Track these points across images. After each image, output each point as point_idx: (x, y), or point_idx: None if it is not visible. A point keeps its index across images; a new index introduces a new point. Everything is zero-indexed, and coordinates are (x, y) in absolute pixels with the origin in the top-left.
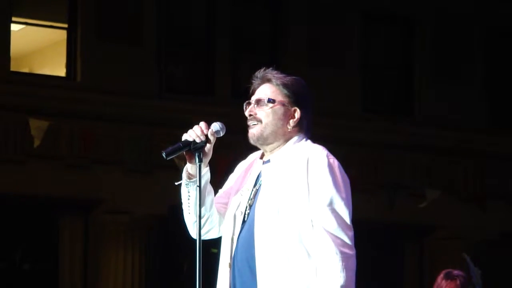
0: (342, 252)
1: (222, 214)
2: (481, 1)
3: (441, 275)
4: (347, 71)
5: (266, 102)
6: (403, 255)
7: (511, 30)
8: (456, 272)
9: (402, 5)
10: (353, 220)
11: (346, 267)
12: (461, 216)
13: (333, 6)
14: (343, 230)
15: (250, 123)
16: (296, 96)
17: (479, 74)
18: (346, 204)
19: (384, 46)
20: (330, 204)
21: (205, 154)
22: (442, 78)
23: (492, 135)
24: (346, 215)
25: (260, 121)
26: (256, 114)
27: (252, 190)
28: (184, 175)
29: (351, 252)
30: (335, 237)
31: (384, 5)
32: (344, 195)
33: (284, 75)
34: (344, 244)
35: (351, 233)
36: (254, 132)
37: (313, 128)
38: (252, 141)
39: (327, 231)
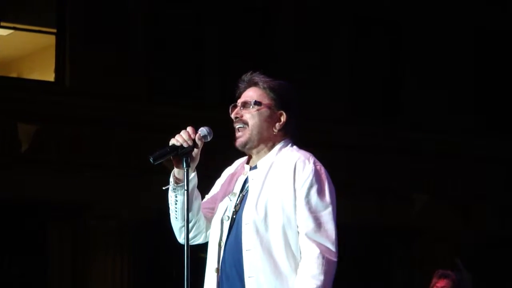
0: (324, 257)
1: (209, 219)
2: (469, 3)
3: (434, 275)
4: (334, 74)
5: (253, 105)
6: (392, 259)
7: (499, 32)
8: (448, 272)
9: (390, 8)
10: (342, 223)
11: (325, 271)
12: (449, 219)
13: (321, 9)
14: (327, 237)
15: (236, 125)
16: (282, 99)
17: (467, 77)
18: (332, 212)
19: (372, 48)
20: (315, 211)
21: (192, 159)
22: (429, 81)
23: (480, 138)
24: (330, 223)
25: (246, 123)
26: (242, 116)
27: (239, 195)
28: (171, 179)
29: (334, 259)
30: (319, 244)
31: (372, 8)
32: (329, 203)
33: (271, 79)
34: (327, 250)
35: (335, 240)
36: (242, 140)
37: (299, 132)
38: (240, 148)
39: (311, 238)
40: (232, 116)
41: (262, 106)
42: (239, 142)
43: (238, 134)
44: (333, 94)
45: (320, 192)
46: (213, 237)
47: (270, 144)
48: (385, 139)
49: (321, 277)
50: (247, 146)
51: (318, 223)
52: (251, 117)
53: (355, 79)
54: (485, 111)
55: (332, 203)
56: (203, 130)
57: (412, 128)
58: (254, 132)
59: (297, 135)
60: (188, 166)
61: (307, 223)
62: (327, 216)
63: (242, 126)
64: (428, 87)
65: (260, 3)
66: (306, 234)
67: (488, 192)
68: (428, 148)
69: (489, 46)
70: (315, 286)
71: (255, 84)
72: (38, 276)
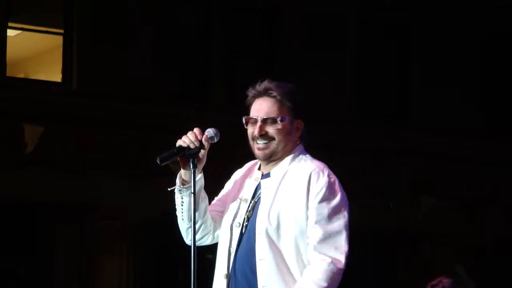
0: (329, 264)
1: (217, 222)
2: (477, 6)
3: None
4: (342, 77)
5: (279, 121)
6: (398, 261)
7: (507, 34)
8: (431, 283)
9: (397, 11)
10: (349, 225)
11: (329, 278)
12: (456, 221)
13: (328, 11)
14: (336, 249)
15: (261, 142)
16: (297, 107)
17: (475, 79)
18: (343, 224)
19: (379, 51)
20: (326, 224)
21: (199, 160)
22: (437, 84)
23: (488, 141)
24: (341, 235)
25: (272, 138)
26: (267, 133)
27: (251, 202)
28: (177, 181)
29: (340, 267)
30: (326, 256)
31: (379, 11)
32: (341, 215)
33: (282, 84)
34: (334, 259)
35: (345, 253)
36: (267, 152)
37: (310, 136)
38: (262, 159)
39: (319, 250)
40: (256, 133)
41: (286, 121)
42: (263, 155)
43: (261, 146)
44: (342, 97)
45: (333, 205)
46: (223, 242)
47: (289, 151)
48: (392, 140)
49: (324, 284)
50: (271, 158)
51: (328, 235)
52: (276, 132)
53: (363, 80)
54: (493, 112)
55: (344, 216)
56: (210, 131)
57: (419, 130)
58: (280, 146)
59: (308, 139)
60: (195, 167)
61: (317, 235)
62: (338, 229)
63: (267, 142)
64: (436, 89)
65: (265, 3)
66: (314, 246)
67: (495, 194)
68: (435, 149)
69: (497, 47)
70: None
71: (269, 95)
72: (44, 277)
